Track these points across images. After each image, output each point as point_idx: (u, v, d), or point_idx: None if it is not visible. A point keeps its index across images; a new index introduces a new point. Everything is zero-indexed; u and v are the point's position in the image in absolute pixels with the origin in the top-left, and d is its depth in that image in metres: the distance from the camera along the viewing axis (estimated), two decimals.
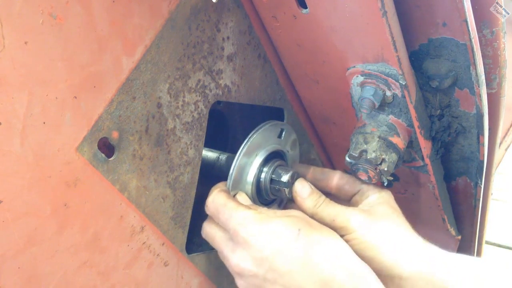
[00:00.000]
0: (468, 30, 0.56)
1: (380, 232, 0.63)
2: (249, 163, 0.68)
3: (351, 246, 0.62)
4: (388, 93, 0.64)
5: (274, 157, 0.72)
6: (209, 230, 0.66)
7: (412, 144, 0.70)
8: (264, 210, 0.64)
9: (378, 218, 0.64)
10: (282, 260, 0.57)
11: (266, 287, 0.59)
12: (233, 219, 0.61)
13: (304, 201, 0.67)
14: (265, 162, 0.70)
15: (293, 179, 0.69)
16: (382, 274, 0.61)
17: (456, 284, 0.59)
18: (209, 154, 0.77)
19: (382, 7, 0.53)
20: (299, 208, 0.68)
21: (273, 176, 0.70)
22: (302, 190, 0.68)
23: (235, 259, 0.60)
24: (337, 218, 0.64)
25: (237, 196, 0.67)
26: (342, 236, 0.63)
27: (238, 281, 0.62)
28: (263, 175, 0.70)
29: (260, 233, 0.59)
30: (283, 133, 0.73)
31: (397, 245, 0.62)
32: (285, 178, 0.69)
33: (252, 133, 0.68)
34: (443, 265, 0.61)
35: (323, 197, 0.67)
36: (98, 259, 0.55)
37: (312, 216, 0.65)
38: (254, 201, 0.70)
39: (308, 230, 0.59)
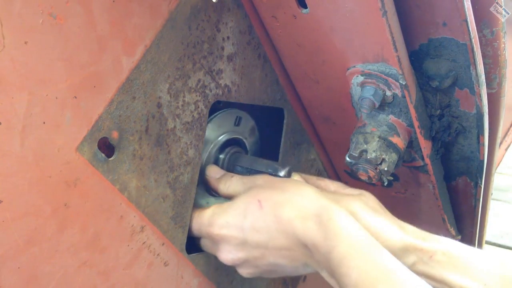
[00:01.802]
0: (468, 30, 0.56)
1: None
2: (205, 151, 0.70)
3: None
4: (388, 93, 0.64)
5: (231, 145, 0.75)
6: (201, 243, 0.68)
7: (412, 144, 0.70)
8: (231, 180, 0.67)
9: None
10: (259, 234, 0.60)
11: (260, 265, 0.62)
12: (203, 225, 0.64)
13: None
14: (221, 149, 0.73)
15: (289, 174, 0.70)
16: None
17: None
18: None
19: (382, 7, 0.53)
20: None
21: (269, 170, 0.70)
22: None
23: (223, 255, 0.63)
24: None
25: (209, 168, 0.70)
26: None
27: (239, 271, 0.65)
28: (220, 162, 0.73)
29: (227, 223, 0.62)
30: (241, 121, 0.75)
31: None
32: (281, 173, 0.70)
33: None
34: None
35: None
36: (98, 259, 0.55)
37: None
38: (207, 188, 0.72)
39: (268, 196, 0.61)
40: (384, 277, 0.49)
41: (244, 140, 0.77)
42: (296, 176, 0.69)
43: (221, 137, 0.72)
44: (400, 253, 0.60)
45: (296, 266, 0.61)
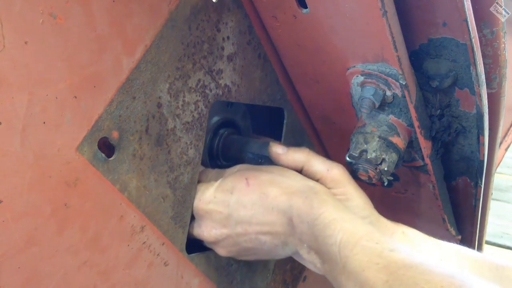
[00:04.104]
0: (468, 30, 0.56)
1: None
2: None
3: None
4: (388, 93, 0.64)
5: (226, 126, 0.77)
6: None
7: (412, 144, 0.70)
8: (211, 171, 0.70)
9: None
10: (244, 209, 0.62)
11: (241, 242, 0.64)
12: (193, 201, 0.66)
13: None
14: (216, 130, 0.75)
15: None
16: None
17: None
18: None
19: (382, 7, 0.53)
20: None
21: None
22: None
23: (206, 230, 0.65)
24: None
25: None
26: None
27: (218, 250, 0.67)
28: (215, 142, 0.75)
29: (215, 197, 0.64)
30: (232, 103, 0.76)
31: None
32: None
33: None
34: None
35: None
36: (98, 259, 0.55)
37: None
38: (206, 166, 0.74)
39: (255, 175, 0.64)
40: (366, 235, 0.54)
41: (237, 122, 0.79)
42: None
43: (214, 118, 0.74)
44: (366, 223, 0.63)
45: (276, 244, 0.62)
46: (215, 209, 0.64)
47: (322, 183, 0.65)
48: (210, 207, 0.64)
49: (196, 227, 0.67)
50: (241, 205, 0.62)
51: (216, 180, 0.67)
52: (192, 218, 0.67)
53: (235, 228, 0.63)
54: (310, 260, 0.59)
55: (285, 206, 0.60)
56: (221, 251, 0.67)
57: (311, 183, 0.62)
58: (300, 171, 0.67)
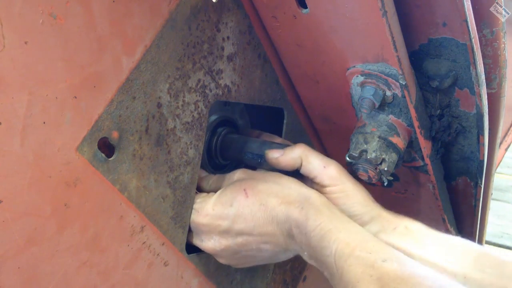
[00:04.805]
0: (468, 30, 0.56)
1: None
2: None
3: None
4: (388, 93, 0.64)
5: (224, 124, 0.77)
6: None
7: (412, 144, 0.70)
8: (212, 177, 0.70)
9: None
10: (245, 221, 0.62)
11: (242, 251, 0.65)
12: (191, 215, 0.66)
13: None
14: (214, 129, 0.75)
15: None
16: None
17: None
18: None
19: (382, 7, 0.53)
20: None
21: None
22: None
23: (205, 243, 0.66)
24: None
25: None
26: None
27: (220, 260, 0.68)
28: (213, 141, 0.75)
29: (213, 210, 0.64)
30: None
31: None
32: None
33: None
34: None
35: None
36: (98, 259, 0.55)
37: None
38: (205, 166, 0.74)
39: (253, 185, 0.64)
40: (359, 245, 0.54)
41: (236, 120, 0.79)
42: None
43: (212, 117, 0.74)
44: (367, 219, 0.64)
45: (277, 251, 0.63)
46: (214, 222, 0.64)
47: (319, 181, 0.66)
48: (209, 220, 0.64)
49: (194, 236, 0.67)
50: (241, 217, 0.62)
51: (215, 187, 0.68)
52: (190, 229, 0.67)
53: (235, 240, 0.63)
54: (313, 264, 0.60)
55: (284, 217, 0.60)
56: (221, 260, 0.67)
57: (307, 192, 0.62)
58: (299, 168, 0.68)
